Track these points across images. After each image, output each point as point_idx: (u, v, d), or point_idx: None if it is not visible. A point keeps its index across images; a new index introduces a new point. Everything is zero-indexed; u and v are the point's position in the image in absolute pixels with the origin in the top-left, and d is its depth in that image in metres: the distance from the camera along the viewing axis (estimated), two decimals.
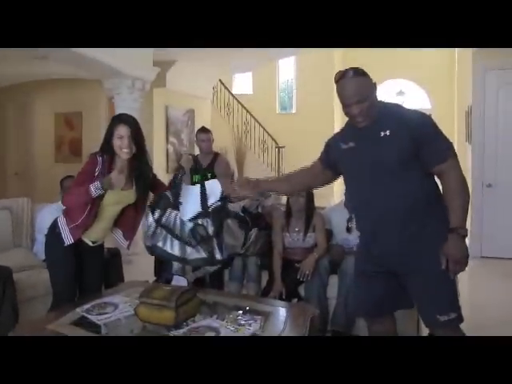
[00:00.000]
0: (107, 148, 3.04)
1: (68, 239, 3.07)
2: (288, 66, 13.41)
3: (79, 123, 9.83)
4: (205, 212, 2.99)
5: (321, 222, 4.17)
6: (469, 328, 2.53)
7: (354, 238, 4.19)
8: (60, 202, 3.79)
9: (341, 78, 2.41)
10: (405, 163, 2.34)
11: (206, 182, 3.09)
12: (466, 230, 2.32)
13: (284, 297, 3.84)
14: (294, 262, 4.06)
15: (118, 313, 2.70)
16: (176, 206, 3.01)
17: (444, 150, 2.36)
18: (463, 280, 2.62)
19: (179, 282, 3.82)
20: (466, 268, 2.35)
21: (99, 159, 3.00)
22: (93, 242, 3.23)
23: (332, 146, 2.67)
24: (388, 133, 2.35)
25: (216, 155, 5.30)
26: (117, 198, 3.07)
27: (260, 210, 4.41)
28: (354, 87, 2.37)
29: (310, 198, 4.15)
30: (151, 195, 3.25)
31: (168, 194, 3.06)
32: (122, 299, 2.93)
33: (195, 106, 10.13)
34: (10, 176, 10.93)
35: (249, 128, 12.07)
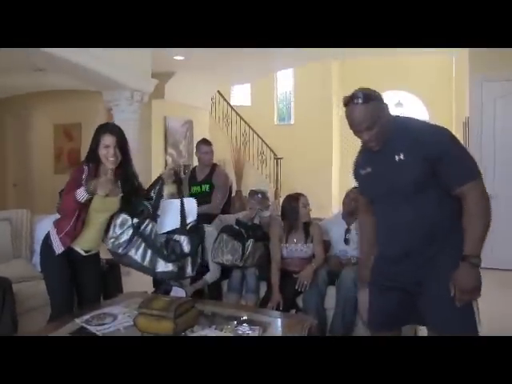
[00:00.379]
0: (93, 157, 3.09)
1: (58, 248, 3.10)
2: (286, 77, 13.45)
3: (78, 134, 9.85)
4: (182, 229, 3.00)
5: (319, 232, 4.19)
6: None
7: (351, 250, 4.22)
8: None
9: (349, 102, 2.29)
10: (422, 186, 2.24)
11: (184, 199, 3.10)
12: (480, 260, 2.18)
13: (282, 307, 3.85)
14: (292, 272, 4.07)
15: (117, 323, 2.72)
16: (154, 217, 3.02)
17: (464, 171, 2.21)
18: None
19: (178, 293, 3.84)
20: None
21: (85, 168, 3.06)
22: (86, 252, 3.23)
23: (355, 173, 2.58)
24: (402, 157, 2.25)
25: (214, 166, 5.32)
26: (103, 205, 3.08)
27: (257, 221, 4.44)
28: (363, 114, 2.25)
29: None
30: None
31: (147, 203, 3.07)
32: (121, 310, 2.95)
33: (194, 117, 10.18)
34: (8, 187, 10.93)
35: (247, 139, 12.10)
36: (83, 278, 3.32)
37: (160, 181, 3.16)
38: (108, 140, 3.03)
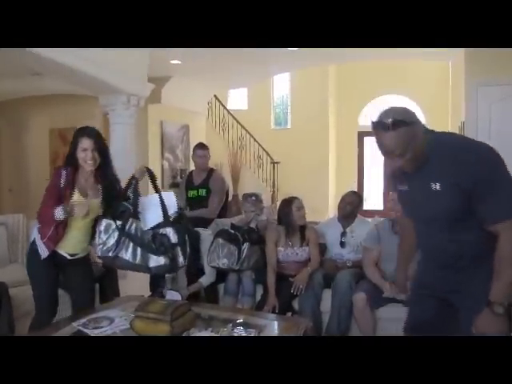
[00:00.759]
0: (72, 160, 3.13)
1: (44, 252, 3.13)
2: (283, 81, 13.45)
3: None
4: (166, 222, 3.01)
5: (315, 236, 4.21)
6: None
7: (347, 253, 4.24)
8: None
9: (377, 128, 2.11)
10: (459, 215, 2.12)
11: (163, 193, 3.11)
12: (504, 308, 2.04)
13: (277, 311, 3.86)
14: (288, 276, 4.09)
15: (113, 327, 2.73)
16: (136, 216, 3.03)
17: (500, 207, 2.03)
18: None
19: (173, 296, 3.84)
20: None
21: (63, 172, 3.10)
22: (71, 255, 3.25)
23: (394, 182, 2.45)
24: (438, 187, 2.11)
25: (211, 171, 5.34)
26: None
27: (254, 225, 4.46)
28: (394, 141, 2.07)
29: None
30: None
31: (126, 204, 3.09)
32: (118, 313, 2.95)
33: (190, 121, 10.19)
34: (4, 192, 10.91)
35: (244, 143, 12.10)
36: (71, 282, 3.37)
37: (134, 180, 3.18)
38: (86, 143, 3.06)
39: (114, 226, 3.05)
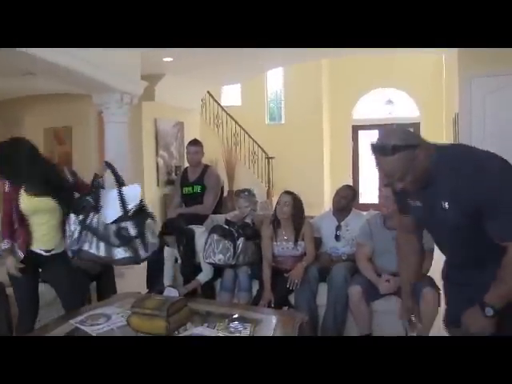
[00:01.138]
0: None
1: (19, 254, 3.27)
2: (276, 76, 13.45)
3: (69, 138, 9.82)
4: (125, 215, 3.04)
5: (310, 230, 4.23)
6: None
7: (342, 246, 4.26)
8: None
9: (376, 152, 2.07)
10: (472, 229, 2.06)
11: (125, 188, 3.13)
12: (494, 312, 2.03)
13: (273, 305, 3.89)
14: (283, 270, 4.11)
15: (110, 323, 2.77)
16: (97, 209, 3.06)
17: (510, 226, 1.98)
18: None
19: (171, 293, 3.87)
20: None
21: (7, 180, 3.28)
22: (47, 251, 3.34)
23: (402, 199, 2.38)
24: (447, 205, 2.07)
25: (206, 167, 5.35)
26: (32, 207, 3.24)
27: (249, 220, 4.47)
28: (391, 167, 2.04)
29: (297, 207, 4.20)
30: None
31: (89, 198, 3.11)
32: (115, 310, 2.99)
33: (184, 118, 10.18)
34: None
35: (238, 139, 12.11)
36: (53, 279, 3.47)
37: (96, 176, 3.22)
38: None
39: (75, 220, 3.08)
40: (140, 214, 3.06)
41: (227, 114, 12.18)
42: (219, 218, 4.82)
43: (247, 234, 4.26)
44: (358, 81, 12.50)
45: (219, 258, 4.17)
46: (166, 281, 4.26)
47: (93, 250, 3.01)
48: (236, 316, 2.82)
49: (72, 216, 3.08)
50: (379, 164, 2.07)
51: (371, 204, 9.30)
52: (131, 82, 6.94)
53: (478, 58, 6.14)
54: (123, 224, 3.01)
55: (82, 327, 2.70)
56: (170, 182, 9.38)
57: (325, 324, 3.89)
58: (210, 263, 4.23)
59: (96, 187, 3.13)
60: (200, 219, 4.84)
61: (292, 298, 4.02)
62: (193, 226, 4.47)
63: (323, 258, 4.24)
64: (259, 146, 11.94)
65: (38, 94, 9.36)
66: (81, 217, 3.05)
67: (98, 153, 9.16)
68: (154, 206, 9.16)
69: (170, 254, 4.34)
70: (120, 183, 3.11)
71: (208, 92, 11.65)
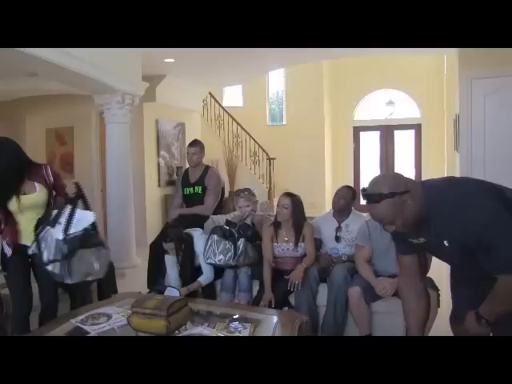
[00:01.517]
0: None
1: (8, 251, 3.35)
2: (278, 77, 13.48)
3: (70, 138, 9.83)
4: (64, 238, 3.08)
5: (310, 231, 4.22)
6: None
7: (342, 247, 4.26)
8: None
9: (364, 198, 2.18)
10: (468, 262, 2.19)
11: (78, 212, 3.15)
12: (486, 322, 2.16)
13: (273, 306, 3.89)
14: (284, 271, 4.12)
15: (111, 323, 2.79)
16: (53, 224, 3.10)
17: (500, 262, 2.04)
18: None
19: (171, 293, 3.87)
20: None
21: None
22: None
23: (401, 238, 2.41)
24: (446, 243, 2.15)
25: (207, 168, 5.35)
26: (18, 204, 3.27)
27: (249, 221, 4.48)
28: (378, 212, 2.16)
29: (297, 209, 4.20)
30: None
31: (54, 211, 3.18)
32: (116, 310, 3.00)
33: (185, 119, 10.20)
34: None
35: (240, 140, 12.12)
36: (39, 274, 3.46)
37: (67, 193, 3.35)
38: None
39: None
40: (75, 240, 3.06)
41: (228, 114, 12.18)
42: (220, 219, 4.83)
43: (248, 235, 4.26)
44: (359, 82, 12.53)
45: (220, 259, 4.18)
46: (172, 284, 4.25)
47: (45, 259, 3.08)
48: (236, 316, 2.83)
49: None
50: (370, 210, 2.18)
51: None
52: (132, 83, 6.96)
53: (479, 58, 6.15)
54: (61, 244, 3.05)
55: (83, 326, 2.72)
56: (171, 183, 9.40)
57: (325, 324, 3.89)
58: (210, 264, 4.24)
59: (53, 202, 3.29)
60: (201, 220, 4.85)
61: (292, 299, 4.02)
62: (190, 230, 4.46)
63: (323, 258, 4.24)
64: (260, 146, 11.95)
65: (40, 95, 9.38)
66: (40, 228, 3.15)
67: (100, 153, 9.17)
68: (154, 207, 9.19)
69: (171, 261, 4.32)
70: (86, 206, 3.16)
71: (209, 93, 11.66)
